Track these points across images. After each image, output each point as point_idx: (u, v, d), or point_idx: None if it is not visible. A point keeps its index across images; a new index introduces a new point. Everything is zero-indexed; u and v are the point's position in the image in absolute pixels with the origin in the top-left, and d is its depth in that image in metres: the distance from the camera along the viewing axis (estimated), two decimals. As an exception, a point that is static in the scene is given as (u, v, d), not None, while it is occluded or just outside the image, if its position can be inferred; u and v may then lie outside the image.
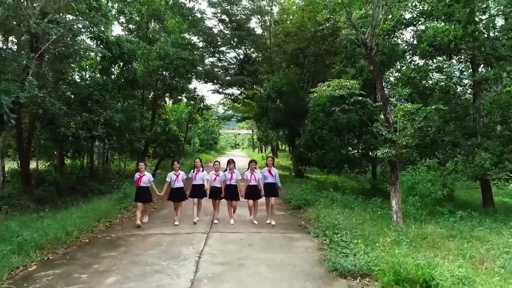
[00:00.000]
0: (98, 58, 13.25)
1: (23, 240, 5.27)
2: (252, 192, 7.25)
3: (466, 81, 8.81)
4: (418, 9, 8.23)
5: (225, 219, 7.37)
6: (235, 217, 7.42)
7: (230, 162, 7.48)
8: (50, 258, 5.08)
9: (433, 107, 6.31)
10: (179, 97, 19.32)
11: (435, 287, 3.65)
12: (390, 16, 7.74)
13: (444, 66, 8.47)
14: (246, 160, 20.39)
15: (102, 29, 10.50)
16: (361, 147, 10.04)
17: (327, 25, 8.63)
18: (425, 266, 3.98)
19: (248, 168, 7.37)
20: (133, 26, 16.35)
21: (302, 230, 6.78)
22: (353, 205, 8.28)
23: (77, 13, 8.73)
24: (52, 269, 4.63)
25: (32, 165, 12.13)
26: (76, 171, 13.23)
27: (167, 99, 19.04)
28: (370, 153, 7.92)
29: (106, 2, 13.03)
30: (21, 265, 4.67)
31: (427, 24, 8.30)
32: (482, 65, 8.19)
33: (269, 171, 7.30)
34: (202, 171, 7.39)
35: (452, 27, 7.50)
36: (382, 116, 7.39)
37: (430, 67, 8.41)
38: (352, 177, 14.38)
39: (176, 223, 7.10)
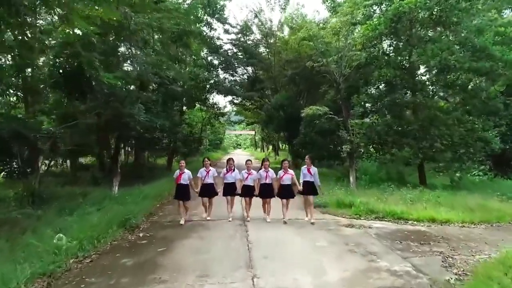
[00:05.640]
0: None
1: (146, 194, 9.97)
2: (286, 192, 7.30)
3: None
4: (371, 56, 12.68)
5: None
6: (267, 216, 7.44)
7: (265, 160, 7.64)
8: (163, 202, 9.78)
9: (368, 121, 10.96)
10: (195, 104, 23.87)
11: (353, 205, 8.34)
12: (353, 63, 12.35)
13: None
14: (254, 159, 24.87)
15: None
16: (335, 145, 14.70)
17: (314, 64, 12.94)
18: (351, 199, 8.67)
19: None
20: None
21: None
22: (331, 181, 12.89)
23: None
24: (167, 205, 9.30)
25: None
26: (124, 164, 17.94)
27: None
28: (339, 148, 12.45)
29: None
30: (151, 204, 9.30)
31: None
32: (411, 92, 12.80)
33: (308, 170, 7.31)
34: (234, 170, 7.57)
35: (390, 70, 12.18)
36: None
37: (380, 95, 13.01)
38: (336, 168, 19.04)
39: (207, 217, 7.46)
